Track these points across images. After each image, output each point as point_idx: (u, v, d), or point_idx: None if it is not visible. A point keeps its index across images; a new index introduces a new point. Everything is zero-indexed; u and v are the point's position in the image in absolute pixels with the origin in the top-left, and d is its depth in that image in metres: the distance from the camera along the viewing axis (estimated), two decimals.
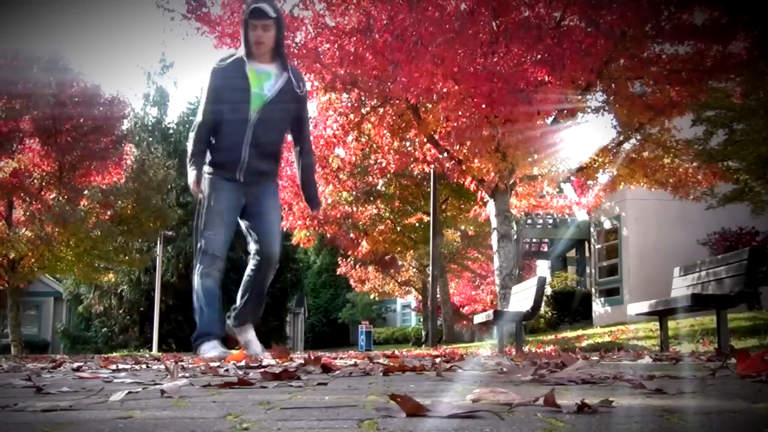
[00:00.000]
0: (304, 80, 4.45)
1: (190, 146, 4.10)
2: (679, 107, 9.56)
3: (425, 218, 18.18)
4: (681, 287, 6.23)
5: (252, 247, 4.13)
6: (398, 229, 19.36)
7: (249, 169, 4.02)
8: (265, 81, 4.01)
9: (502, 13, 9.04)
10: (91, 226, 15.95)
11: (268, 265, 4.12)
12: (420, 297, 25.50)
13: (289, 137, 4.45)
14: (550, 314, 18.15)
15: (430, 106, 10.69)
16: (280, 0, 9.84)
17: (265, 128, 4.02)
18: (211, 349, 3.86)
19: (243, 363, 2.97)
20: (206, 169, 4.07)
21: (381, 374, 2.30)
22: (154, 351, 18.68)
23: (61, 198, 16.08)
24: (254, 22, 3.93)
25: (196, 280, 4.03)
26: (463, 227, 21.39)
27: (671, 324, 7.69)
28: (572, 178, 12.73)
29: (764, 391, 1.48)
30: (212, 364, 2.84)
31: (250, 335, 4.25)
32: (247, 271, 4.18)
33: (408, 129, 11.77)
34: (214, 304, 4.00)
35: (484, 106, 8.89)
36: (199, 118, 4.08)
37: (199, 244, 4.04)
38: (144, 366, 3.32)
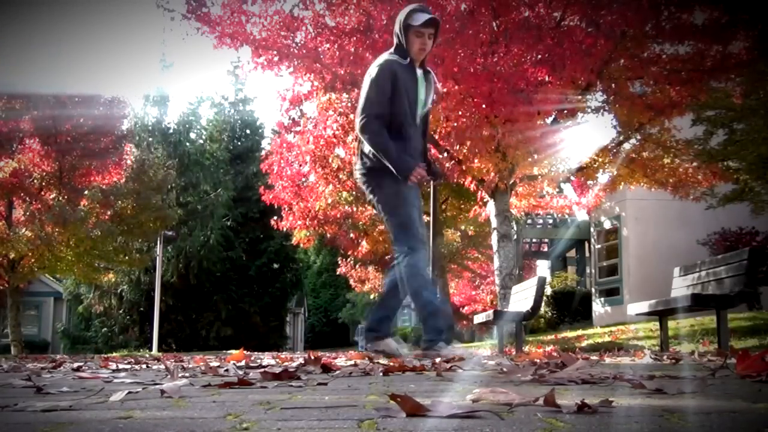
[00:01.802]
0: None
1: (383, 138, 3.87)
2: (679, 107, 9.56)
3: (425, 218, 18.12)
4: (681, 287, 6.23)
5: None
6: None
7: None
8: (421, 87, 4.04)
9: (502, 13, 9.04)
10: (91, 226, 15.95)
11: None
12: None
13: None
14: (550, 314, 18.15)
15: None
16: (280, 0, 9.87)
17: (423, 135, 4.11)
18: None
19: (243, 363, 2.97)
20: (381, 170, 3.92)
21: (381, 374, 2.30)
22: (154, 351, 18.68)
23: (61, 198, 16.08)
24: (424, 30, 3.89)
25: (422, 277, 3.95)
26: (463, 227, 21.37)
27: (671, 324, 7.69)
28: (572, 178, 12.73)
29: (764, 391, 1.48)
30: (212, 364, 2.84)
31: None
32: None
33: None
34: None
35: (484, 106, 8.89)
36: (379, 109, 3.89)
37: (411, 234, 3.91)
38: (144, 366, 3.32)
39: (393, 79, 3.88)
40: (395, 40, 3.99)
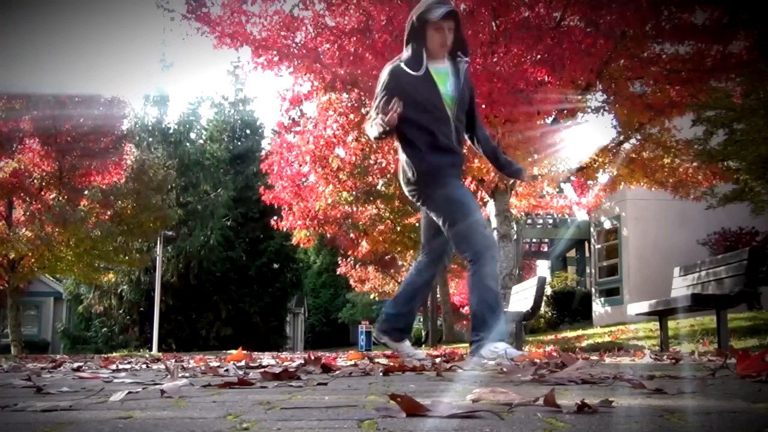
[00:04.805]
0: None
1: (367, 128, 3.85)
2: (679, 107, 9.56)
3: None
4: (681, 287, 6.23)
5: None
6: (398, 229, 19.34)
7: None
8: (445, 81, 3.85)
9: (501, 13, 9.04)
10: (91, 226, 15.95)
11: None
12: None
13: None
14: (550, 314, 18.15)
15: None
16: (280, 0, 9.87)
17: (469, 128, 4.00)
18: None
19: (243, 363, 2.97)
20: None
21: (381, 374, 2.30)
22: (154, 351, 18.67)
23: (61, 198, 16.08)
24: (443, 24, 3.74)
25: (498, 279, 3.74)
26: None
27: (671, 324, 7.70)
28: (572, 178, 12.73)
29: (764, 391, 1.48)
30: (212, 364, 2.84)
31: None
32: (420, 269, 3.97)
33: None
34: None
35: (484, 106, 8.88)
36: (374, 114, 3.81)
37: (486, 236, 3.68)
38: (144, 366, 3.32)
39: (391, 85, 3.74)
40: (405, 38, 3.83)
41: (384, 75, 3.82)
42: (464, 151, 4.06)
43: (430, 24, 3.75)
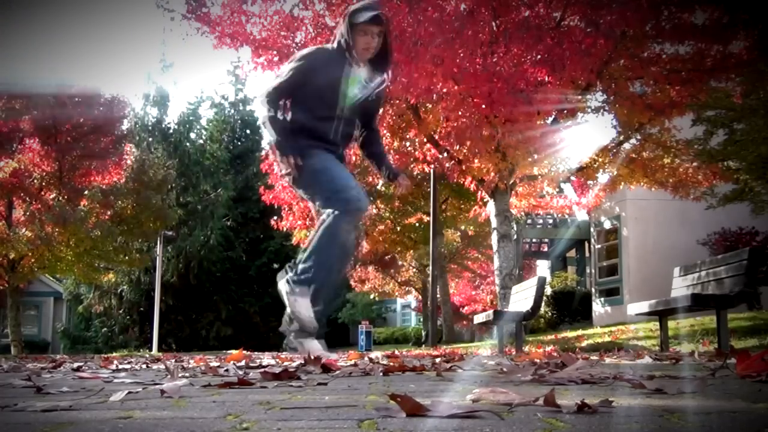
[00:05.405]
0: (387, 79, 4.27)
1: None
2: (679, 107, 9.56)
3: (425, 218, 18.18)
4: (681, 287, 6.23)
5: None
6: (398, 229, 19.35)
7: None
8: (354, 84, 3.87)
9: (501, 13, 9.03)
10: (91, 226, 15.96)
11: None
12: (420, 297, 25.49)
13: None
14: (550, 314, 18.15)
15: (429, 106, 10.69)
16: (280, 0, 9.87)
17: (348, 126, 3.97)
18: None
19: (243, 363, 2.98)
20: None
21: (381, 374, 2.30)
22: (154, 351, 18.68)
23: (61, 198, 16.09)
24: (368, 28, 3.75)
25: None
26: (463, 227, 21.39)
27: (671, 324, 7.69)
28: (572, 178, 12.73)
29: (764, 391, 1.48)
30: (212, 364, 2.84)
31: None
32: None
33: (408, 129, 11.77)
34: None
35: (484, 106, 8.88)
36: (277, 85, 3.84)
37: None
38: (144, 366, 3.32)
39: (307, 65, 3.78)
40: (338, 38, 3.85)
41: (305, 50, 3.89)
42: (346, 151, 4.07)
43: (356, 27, 3.77)
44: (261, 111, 3.80)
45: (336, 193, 3.66)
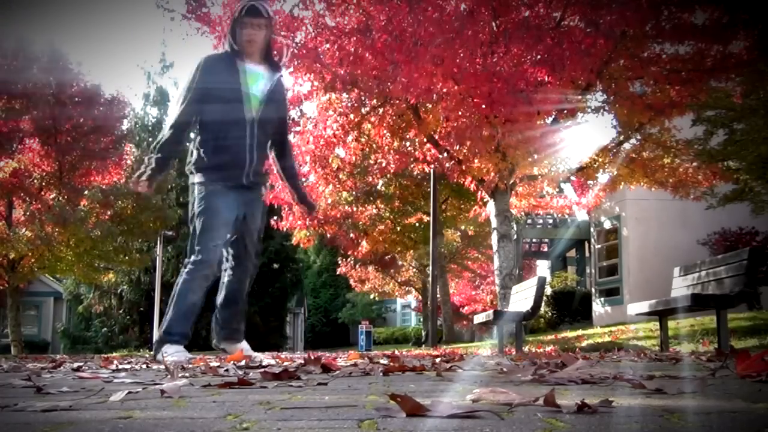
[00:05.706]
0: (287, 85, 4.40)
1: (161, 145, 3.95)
2: (679, 107, 9.56)
3: (425, 218, 18.19)
4: (681, 287, 6.23)
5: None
6: (398, 229, 19.35)
7: (252, 172, 3.91)
8: (254, 82, 3.92)
9: (501, 13, 9.03)
10: (91, 226, 15.96)
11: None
12: (420, 297, 25.49)
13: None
14: (550, 314, 18.15)
15: (430, 106, 10.69)
16: (280, 0, 9.86)
17: (262, 130, 3.94)
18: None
19: (243, 363, 2.98)
20: (197, 176, 3.94)
21: (381, 374, 2.30)
22: (154, 351, 18.66)
23: (61, 198, 16.09)
24: (248, 21, 3.85)
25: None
26: (463, 227, 21.39)
27: (671, 324, 7.69)
28: (572, 178, 12.73)
29: (764, 391, 1.48)
30: (212, 364, 2.84)
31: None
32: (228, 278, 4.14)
33: (408, 129, 11.77)
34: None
35: (484, 106, 8.88)
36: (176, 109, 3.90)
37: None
38: (144, 366, 3.32)
39: (196, 77, 3.81)
40: (228, 36, 3.92)
41: (194, 65, 3.91)
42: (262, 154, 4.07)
43: (238, 21, 3.84)
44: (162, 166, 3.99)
45: (194, 247, 3.92)
